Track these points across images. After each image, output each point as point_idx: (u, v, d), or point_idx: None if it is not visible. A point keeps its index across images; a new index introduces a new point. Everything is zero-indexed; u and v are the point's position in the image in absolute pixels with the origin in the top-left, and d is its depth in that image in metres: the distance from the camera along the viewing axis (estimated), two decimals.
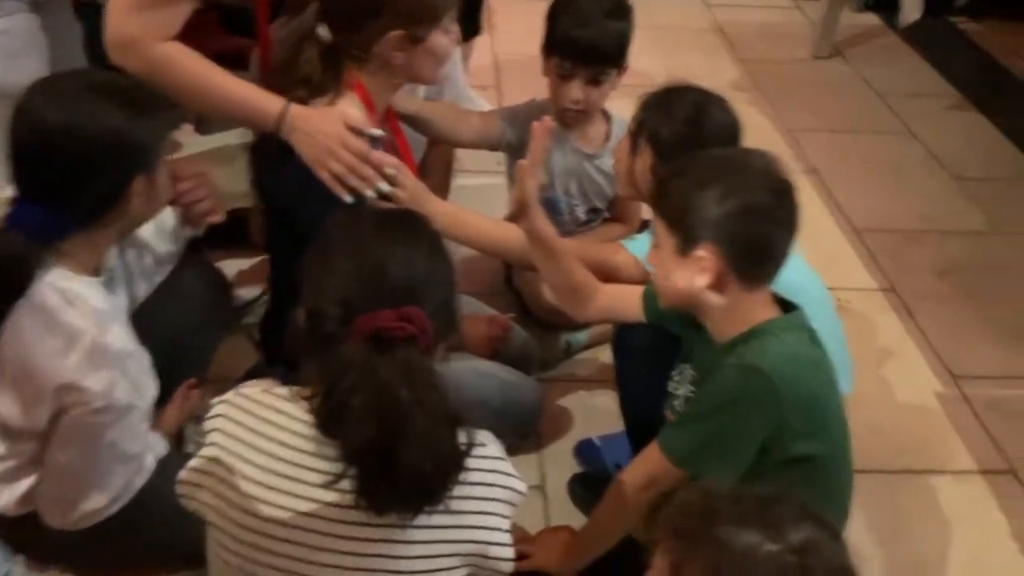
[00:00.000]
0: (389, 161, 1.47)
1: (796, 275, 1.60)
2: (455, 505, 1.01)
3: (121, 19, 1.34)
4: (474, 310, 1.91)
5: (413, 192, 1.49)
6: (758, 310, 1.25)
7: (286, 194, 1.48)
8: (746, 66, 3.56)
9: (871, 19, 4.00)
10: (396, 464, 0.93)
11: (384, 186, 1.45)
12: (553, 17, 1.85)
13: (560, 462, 1.84)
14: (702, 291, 1.22)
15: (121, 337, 1.27)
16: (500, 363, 1.84)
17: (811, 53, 3.68)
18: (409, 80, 1.57)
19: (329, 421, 0.96)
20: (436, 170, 2.09)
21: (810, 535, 0.77)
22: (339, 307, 0.96)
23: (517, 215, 1.40)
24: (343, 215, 1.15)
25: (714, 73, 3.46)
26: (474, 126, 1.89)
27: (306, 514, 1.00)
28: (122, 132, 1.24)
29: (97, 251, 1.31)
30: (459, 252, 2.16)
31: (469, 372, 1.76)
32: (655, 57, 3.53)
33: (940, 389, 2.07)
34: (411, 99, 1.77)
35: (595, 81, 1.82)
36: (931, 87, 3.51)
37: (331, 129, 1.41)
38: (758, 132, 3.07)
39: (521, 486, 1.09)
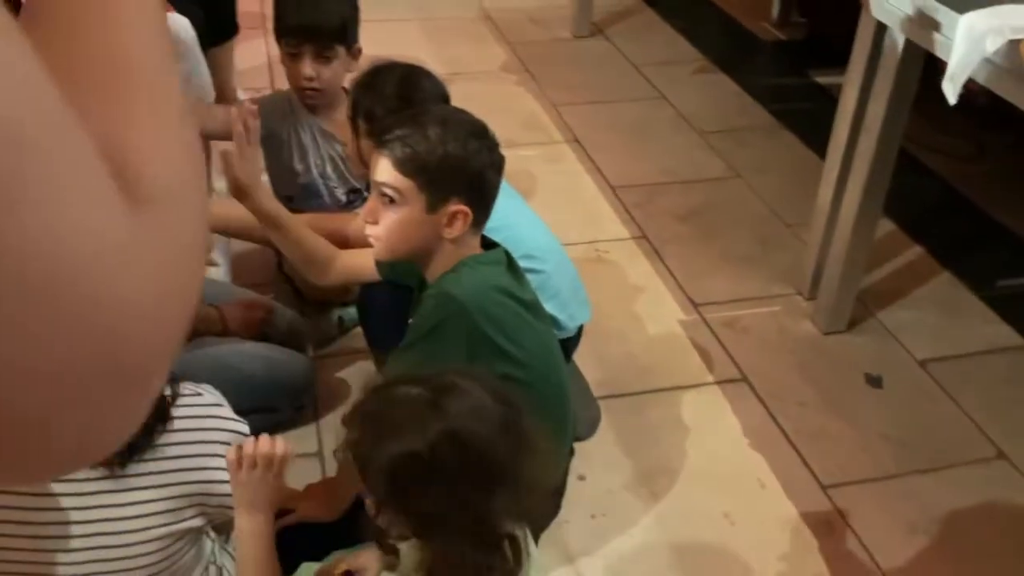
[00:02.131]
0: None
1: (524, 226, 1.79)
2: (170, 451, 1.10)
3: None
4: (238, 297, 1.97)
5: None
6: (468, 250, 1.39)
7: None
8: (514, 50, 3.76)
9: None
10: None
11: None
12: (278, 3, 1.94)
13: (338, 430, 1.93)
14: (444, 242, 1.36)
15: None
16: (270, 344, 1.92)
17: (572, 33, 3.92)
18: None
19: None
20: None
21: (459, 385, 0.91)
22: None
23: (239, 197, 1.49)
24: None
25: (484, 59, 3.66)
26: (219, 118, 1.95)
27: (16, 493, 1.06)
28: None
29: None
30: (235, 246, 2.24)
31: (233, 353, 1.83)
32: (428, 48, 3.69)
33: (683, 317, 2.30)
34: None
35: (323, 57, 1.93)
36: (682, 55, 3.82)
37: None
38: (525, 109, 3.27)
39: (242, 427, 1.18)
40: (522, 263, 1.73)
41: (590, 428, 1.93)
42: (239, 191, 1.48)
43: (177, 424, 1.11)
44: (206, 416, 1.14)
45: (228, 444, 1.15)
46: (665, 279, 2.43)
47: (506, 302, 1.35)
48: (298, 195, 2.13)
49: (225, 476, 1.14)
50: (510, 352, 1.33)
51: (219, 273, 2.13)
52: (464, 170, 1.35)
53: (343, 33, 1.92)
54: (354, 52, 1.99)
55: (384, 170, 1.36)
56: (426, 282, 1.43)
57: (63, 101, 0.29)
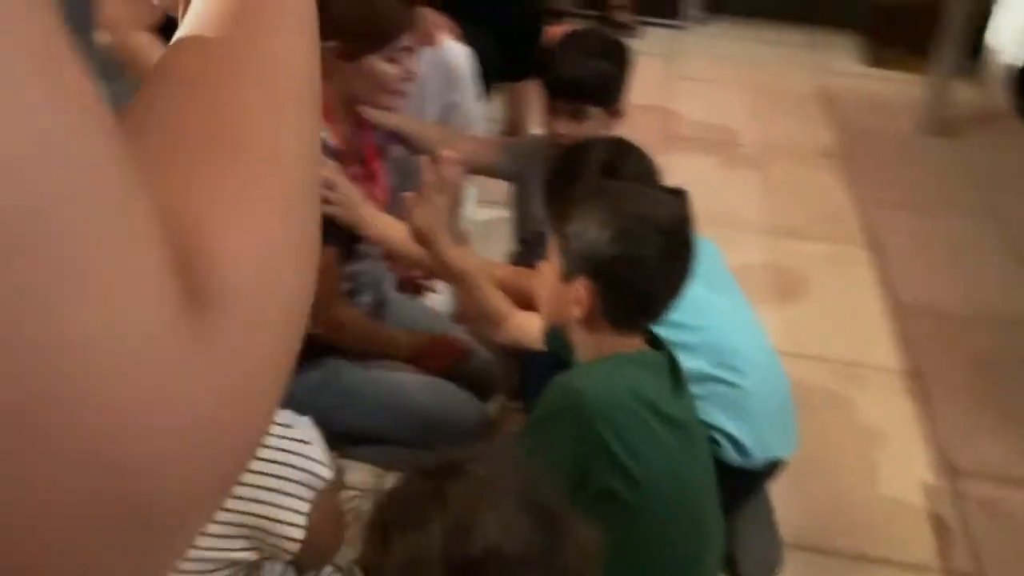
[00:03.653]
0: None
1: (731, 331, 1.58)
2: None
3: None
4: (437, 330, 1.95)
5: (346, 195, 1.57)
6: (612, 342, 1.24)
7: None
8: (841, 134, 3.45)
9: (994, 97, 3.77)
10: None
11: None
12: (548, 53, 1.90)
13: None
14: (572, 320, 1.23)
15: None
16: (452, 383, 1.87)
17: (917, 127, 3.51)
18: (356, 98, 1.63)
19: None
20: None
21: (477, 472, 0.78)
22: None
23: (420, 244, 1.46)
24: None
25: (805, 138, 3.39)
26: (462, 148, 1.95)
27: None
28: None
29: None
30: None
31: (407, 379, 1.81)
32: (747, 116, 3.51)
33: (931, 480, 1.92)
34: (393, 115, 1.85)
35: (576, 116, 1.85)
36: None
37: None
38: (829, 200, 2.97)
39: (325, 472, 1.12)
40: (715, 372, 1.53)
41: (763, 572, 1.66)
42: (419, 237, 1.44)
43: (260, 451, 1.07)
44: (290, 451, 1.10)
45: (302, 484, 1.10)
46: (925, 429, 2.05)
47: (639, 411, 1.17)
48: (533, 240, 2.07)
49: (292, 518, 1.08)
50: (627, 467, 1.15)
51: (439, 301, 2.13)
52: (602, 255, 1.19)
53: (602, 92, 1.83)
54: (614, 112, 1.88)
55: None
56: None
57: (126, 171, 0.24)
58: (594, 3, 4.14)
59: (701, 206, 2.76)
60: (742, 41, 4.18)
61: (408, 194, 1.45)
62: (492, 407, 1.90)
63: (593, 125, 1.90)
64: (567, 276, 1.22)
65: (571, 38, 1.89)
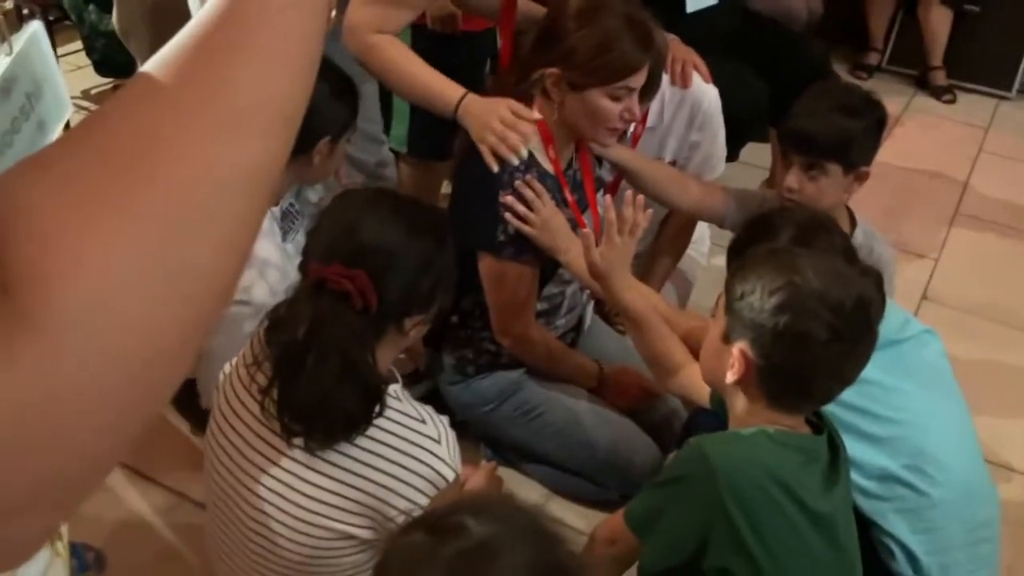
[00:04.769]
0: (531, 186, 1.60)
1: (930, 429, 1.42)
2: (368, 457, 1.13)
3: (355, 7, 1.65)
4: (635, 365, 1.92)
5: (545, 218, 1.60)
6: (767, 416, 1.16)
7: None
8: None
9: None
10: (292, 392, 1.09)
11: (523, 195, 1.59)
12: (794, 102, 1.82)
13: None
14: (727, 384, 1.18)
15: (266, 248, 1.58)
16: (638, 424, 1.85)
17: None
18: (576, 131, 1.66)
19: (268, 332, 1.14)
20: (669, 229, 2.13)
21: (478, 532, 0.77)
22: (308, 254, 1.15)
23: (596, 279, 1.47)
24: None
25: None
26: (691, 193, 1.91)
27: (240, 433, 1.19)
28: (323, 102, 1.55)
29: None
30: None
31: (590, 411, 1.81)
32: (1005, 188, 3.12)
33: None
34: (622, 149, 1.84)
35: (810, 171, 1.75)
36: None
37: (494, 107, 1.58)
38: None
39: (449, 473, 1.16)
40: (902, 473, 1.39)
41: None
42: (596, 274, 1.45)
43: (388, 438, 1.13)
44: (418, 445, 1.14)
45: (425, 479, 1.13)
46: None
47: (775, 494, 1.08)
48: None
49: (409, 508, 1.12)
50: (751, 549, 1.06)
51: None
52: (764, 323, 1.10)
53: (839, 152, 1.71)
54: (858, 175, 1.76)
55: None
56: None
57: None
58: (908, 60, 3.87)
59: (971, 292, 2.52)
60: None
61: (584, 231, 1.46)
62: (671, 457, 1.85)
63: (829, 184, 1.78)
64: (728, 338, 1.17)
65: (816, 90, 1.79)
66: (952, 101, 3.76)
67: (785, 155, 1.78)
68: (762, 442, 1.12)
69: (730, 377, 1.16)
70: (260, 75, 0.33)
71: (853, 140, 1.72)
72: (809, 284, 1.10)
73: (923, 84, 3.82)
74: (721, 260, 2.37)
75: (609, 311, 2.00)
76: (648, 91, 1.68)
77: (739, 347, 1.14)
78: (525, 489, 1.84)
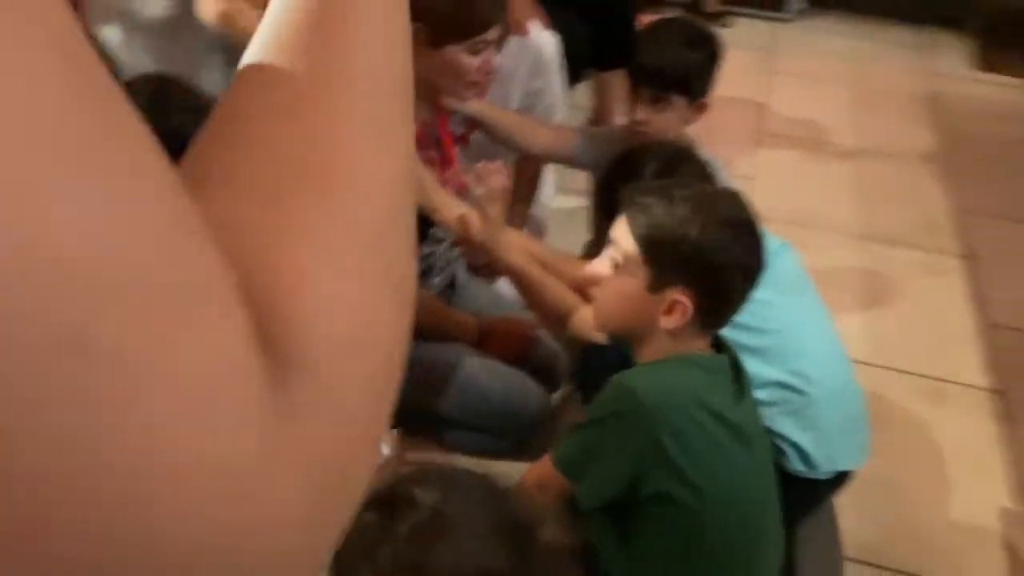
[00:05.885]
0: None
1: (803, 338, 1.53)
2: None
3: None
4: (505, 313, 1.94)
5: (418, 178, 1.58)
6: (686, 348, 1.22)
7: None
8: (945, 138, 3.31)
9: None
10: None
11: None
12: (637, 39, 1.89)
13: None
14: (660, 328, 1.22)
15: None
16: (520, 371, 1.87)
17: None
18: (434, 85, 1.64)
19: None
20: (519, 181, 2.15)
21: (427, 501, 0.76)
22: None
23: (483, 252, 1.48)
24: None
25: (905, 140, 3.27)
26: (541, 137, 1.94)
27: None
28: None
29: None
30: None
31: (480, 365, 1.82)
32: (846, 113, 3.40)
33: (1009, 506, 1.84)
34: (472, 102, 1.84)
35: (658, 105, 1.82)
36: None
37: None
38: (927, 207, 2.86)
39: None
40: (782, 378, 1.49)
41: None
42: (481, 249, 1.46)
43: None
44: None
45: None
46: (1006, 454, 1.96)
47: (699, 416, 1.14)
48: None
49: None
50: (685, 471, 1.13)
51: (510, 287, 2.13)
52: (698, 259, 1.16)
53: (686, 83, 1.79)
54: (698, 104, 1.84)
55: (619, 232, 1.23)
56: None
57: (195, 232, 0.21)
58: None
59: (789, 205, 2.73)
60: (846, 37, 4.04)
61: (462, 213, 1.46)
62: (556, 397, 1.90)
63: (675, 116, 1.86)
64: (657, 287, 1.20)
65: (658, 26, 1.86)
66: (727, 26, 3.90)
67: (635, 89, 1.84)
68: (682, 369, 1.18)
69: (667, 323, 1.19)
70: (388, 59, 0.32)
71: (695, 73, 1.80)
72: (718, 213, 1.17)
73: (696, 11, 3.83)
74: (567, 202, 2.47)
75: (472, 263, 2.01)
76: (501, 41, 1.67)
77: (675, 295, 1.18)
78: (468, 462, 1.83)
